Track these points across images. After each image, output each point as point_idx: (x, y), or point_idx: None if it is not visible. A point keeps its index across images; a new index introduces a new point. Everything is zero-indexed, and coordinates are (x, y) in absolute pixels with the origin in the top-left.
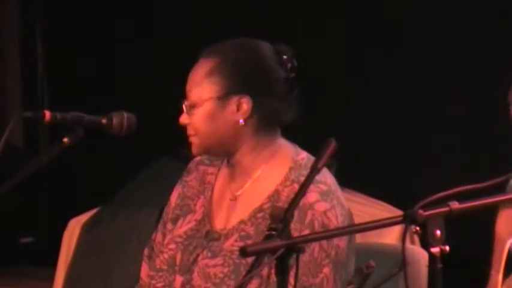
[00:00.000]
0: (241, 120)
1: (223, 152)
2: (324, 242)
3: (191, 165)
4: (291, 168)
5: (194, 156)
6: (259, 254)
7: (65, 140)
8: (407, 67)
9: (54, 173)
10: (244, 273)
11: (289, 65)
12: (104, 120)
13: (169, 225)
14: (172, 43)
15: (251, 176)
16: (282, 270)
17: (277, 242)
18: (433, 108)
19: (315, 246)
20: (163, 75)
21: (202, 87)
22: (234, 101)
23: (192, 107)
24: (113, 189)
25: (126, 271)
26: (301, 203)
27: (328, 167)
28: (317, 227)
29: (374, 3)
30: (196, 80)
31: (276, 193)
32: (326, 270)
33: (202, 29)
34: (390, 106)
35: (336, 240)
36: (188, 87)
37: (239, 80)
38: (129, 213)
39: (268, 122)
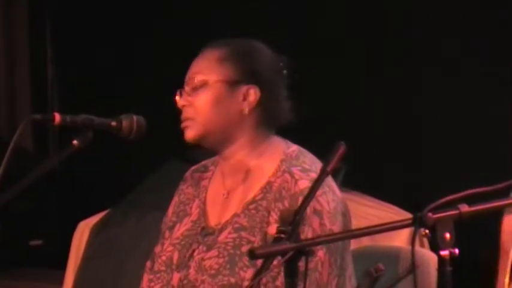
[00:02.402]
0: (246, 110)
1: (220, 140)
2: (317, 227)
3: (187, 174)
4: (282, 160)
5: (189, 141)
6: (268, 257)
7: (75, 142)
8: (422, 69)
9: (63, 175)
10: (239, 263)
11: (285, 71)
12: (114, 123)
13: (166, 234)
14: (182, 45)
15: (242, 171)
16: (291, 273)
17: (286, 245)
18: (443, 112)
19: (308, 232)
20: (173, 78)
21: (212, 70)
22: (242, 89)
23: (198, 88)
24: (122, 192)
25: (135, 274)
26: (292, 191)
27: (337, 170)
28: (309, 212)
29: (381, 3)
30: (206, 63)
31: (268, 184)
32: (320, 253)
33: (210, 31)
34: (398, 109)
35: (329, 225)
36: (194, 69)
37: (250, 70)
38: (138, 216)
39: (268, 118)
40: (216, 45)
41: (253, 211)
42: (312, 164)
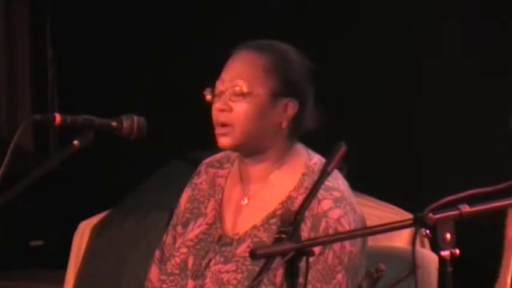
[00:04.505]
0: (284, 123)
1: (253, 150)
2: (338, 249)
3: (200, 168)
4: (304, 174)
5: (223, 148)
6: (269, 257)
7: (75, 142)
8: (419, 69)
9: (63, 175)
10: None
11: (312, 77)
12: (114, 123)
13: (179, 229)
14: (182, 45)
15: (264, 180)
16: (291, 274)
17: (287, 245)
18: (443, 112)
19: (328, 253)
20: (174, 78)
21: (258, 80)
22: (283, 102)
23: (243, 95)
24: (122, 192)
25: (136, 274)
26: (315, 211)
27: (338, 170)
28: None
29: (381, 7)
30: (250, 71)
31: (290, 199)
32: (339, 276)
33: (210, 31)
34: (401, 109)
35: (349, 247)
36: (237, 74)
37: (290, 82)
38: (139, 217)
39: (299, 129)
40: (257, 49)
41: (273, 226)
42: (334, 180)
